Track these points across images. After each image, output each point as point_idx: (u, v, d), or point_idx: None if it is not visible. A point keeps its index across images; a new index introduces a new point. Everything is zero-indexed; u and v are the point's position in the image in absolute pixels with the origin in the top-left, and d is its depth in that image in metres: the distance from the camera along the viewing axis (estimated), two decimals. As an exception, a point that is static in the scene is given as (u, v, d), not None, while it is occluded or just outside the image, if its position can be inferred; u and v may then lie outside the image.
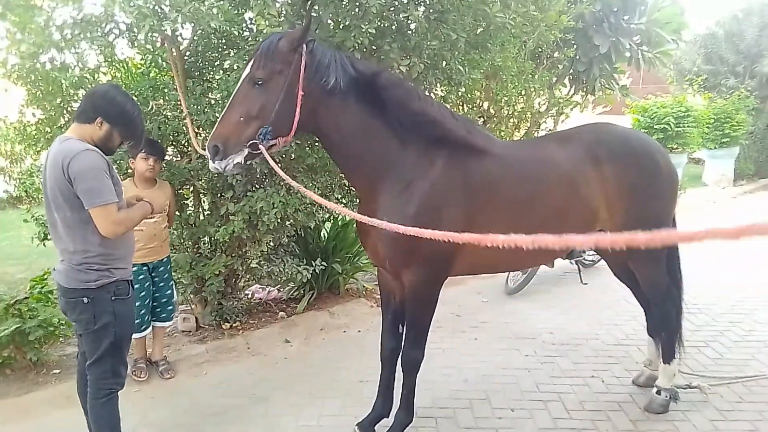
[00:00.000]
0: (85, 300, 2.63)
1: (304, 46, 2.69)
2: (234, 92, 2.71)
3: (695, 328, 4.95)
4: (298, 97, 2.67)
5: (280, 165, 4.03)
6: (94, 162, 2.54)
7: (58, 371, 4.11)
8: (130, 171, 4.04)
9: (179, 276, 4.55)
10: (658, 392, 3.61)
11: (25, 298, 4.08)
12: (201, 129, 4.16)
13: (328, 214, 5.11)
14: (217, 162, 2.63)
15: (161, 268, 4.04)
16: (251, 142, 2.62)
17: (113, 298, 2.69)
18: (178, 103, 4.06)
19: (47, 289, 4.19)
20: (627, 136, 3.48)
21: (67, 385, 3.81)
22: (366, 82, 2.79)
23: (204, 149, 2.90)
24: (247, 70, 2.70)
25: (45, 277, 4.28)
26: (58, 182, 2.53)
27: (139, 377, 4.05)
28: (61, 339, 4.42)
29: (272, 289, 5.63)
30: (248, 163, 2.70)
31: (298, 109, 2.68)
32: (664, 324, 3.65)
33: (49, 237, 3.90)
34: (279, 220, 4.24)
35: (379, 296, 5.51)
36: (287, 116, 2.68)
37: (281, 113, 2.66)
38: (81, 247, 2.60)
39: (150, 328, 4.10)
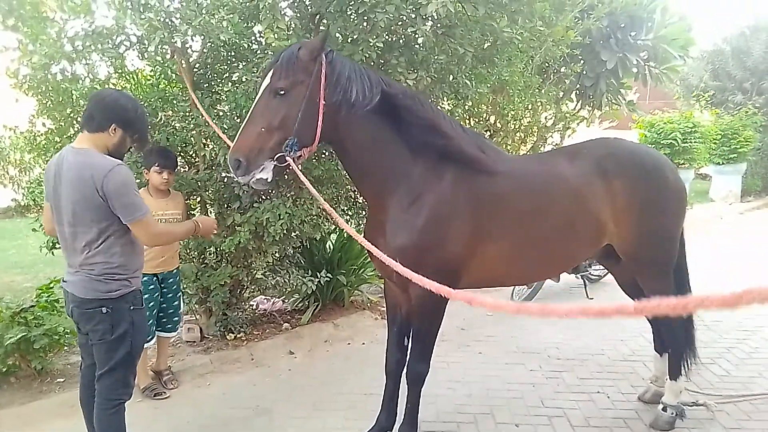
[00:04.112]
0: (104, 310, 2.63)
1: (324, 56, 2.70)
2: (254, 104, 2.69)
3: (702, 344, 4.85)
4: (320, 107, 2.67)
5: (287, 177, 4.06)
6: (128, 177, 2.59)
7: (62, 380, 4.11)
8: (138, 180, 4.07)
9: (184, 286, 4.56)
10: (664, 409, 3.58)
11: (31, 306, 4.09)
12: (209, 140, 4.19)
13: (333, 226, 5.12)
14: (240, 176, 2.63)
15: (170, 279, 4.05)
16: (278, 154, 2.62)
17: (131, 307, 2.71)
18: (188, 113, 4.09)
19: (53, 298, 4.20)
20: (636, 151, 3.49)
21: (71, 394, 3.80)
22: (384, 96, 2.80)
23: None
24: (267, 80, 2.69)
25: (51, 285, 4.29)
26: (86, 199, 2.52)
27: (164, 396, 4.03)
28: (65, 348, 4.43)
29: (277, 300, 5.63)
30: (276, 177, 2.70)
31: (320, 119, 2.68)
32: (671, 340, 3.63)
33: (57, 246, 3.93)
34: (285, 232, 4.26)
35: (383, 308, 5.51)
36: (310, 127, 2.68)
37: (304, 123, 2.65)
38: (102, 259, 2.61)
39: (155, 339, 4.10)
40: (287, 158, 2.63)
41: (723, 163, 13.85)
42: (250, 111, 2.69)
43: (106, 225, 2.58)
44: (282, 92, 2.64)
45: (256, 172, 2.62)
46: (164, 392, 4.03)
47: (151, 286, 3.90)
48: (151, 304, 3.91)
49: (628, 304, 0.97)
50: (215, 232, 3.80)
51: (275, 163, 2.63)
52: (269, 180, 2.66)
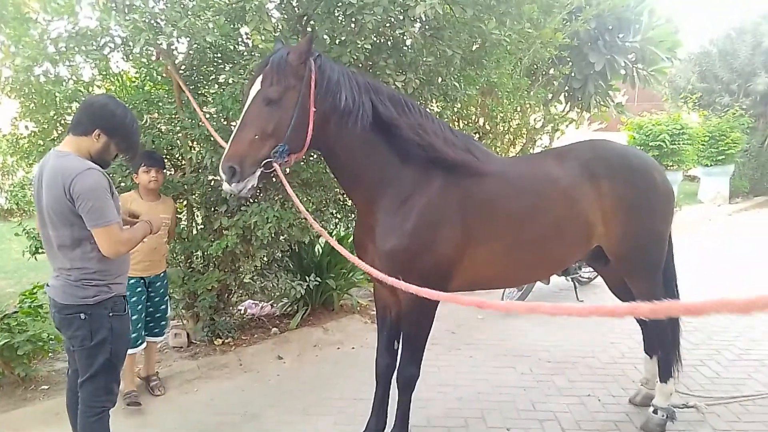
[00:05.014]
0: (82, 316, 2.58)
1: (312, 60, 2.67)
2: (245, 110, 2.63)
3: (692, 346, 4.92)
4: (311, 113, 2.64)
5: (275, 180, 4.02)
6: (97, 181, 2.51)
7: (46, 387, 4.04)
8: (123, 184, 4.02)
9: (171, 291, 4.50)
10: (655, 411, 3.57)
11: (14, 312, 4.02)
12: (195, 143, 4.15)
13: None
14: (234, 185, 2.56)
15: (158, 283, 3.99)
16: (266, 161, 2.58)
17: (110, 314, 2.65)
18: (173, 116, 4.04)
19: (37, 304, 4.14)
20: (624, 152, 3.49)
21: (55, 401, 3.74)
22: (373, 101, 2.78)
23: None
24: (258, 86, 2.63)
25: (34, 291, 4.23)
26: (57, 201, 2.48)
27: (137, 406, 3.85)
28: (50, 354, 4.36)
29: (265, 304, 5.58)
30: (261, 182, 2.65)
31: (310, 126, 2.65)
32: (660, 342, 3.63)
33: (40, 251, 3.87)
34: (273, 235, 4.22)
35: (373, 312, 5.48)
36: (301, 133, 2.65)
37: (295, 130, 2.62)
38: (79, 264, 2.56)
39: (144, 343, 4.02)
40: (274, 164, 2.59)
41: (711, 165, 13.97)
42: (242, 118, 2.63)
43: (80, 229, 2.52)
44: (275, 98, 2.59)
45: (249, 180, 2.58)
46: (140, 403, 3.86)
47: (139, 289, 3.84)
48: (140, 307, 3.85)
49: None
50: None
51: (262, 169, 2.59)
52: (255, 185, 2.63)
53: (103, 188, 2.52)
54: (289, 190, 2.67)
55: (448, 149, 2.92)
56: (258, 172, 2.59)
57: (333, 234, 5.65)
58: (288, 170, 4.25)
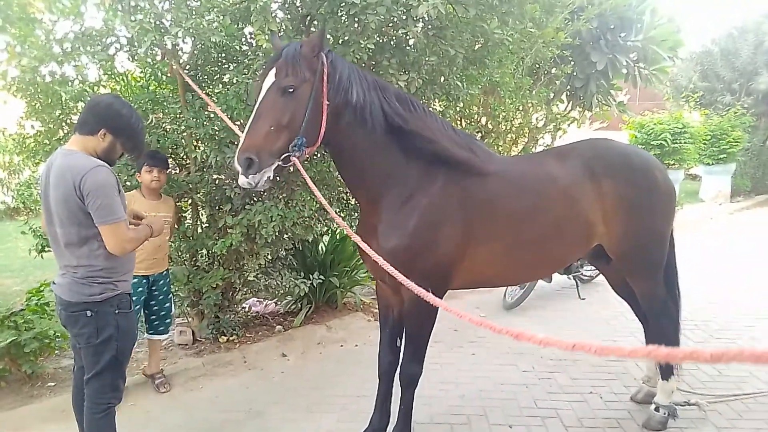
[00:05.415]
0: (89, 313, 2.61)
1: (323, 55, 2.68)
2: (259, 101, 2.62)
3: (693, 344, 4.94)
4: (324, 106, 2.65)
5: (278, 178, 4.04)
6: (107, 179, 2.54)
7: (53, 384, 4.08)
8: (128, 183, 4.04)
9: (176, 289, 4.53)
10: (657, 409, 3.59)
11: (21, 310, 4.06)
12: (199, 142, 4.17)
13: (326, 228, 5.11)
14: (251, 176, 2.53)
15: (161, 281, 4.02)
16: (285, 154, 2.58)
17: (116, 311, 2.68)
18: (178, 115, 4.07)
19: (43, 301, 4.17)
20: (625, 151, 3.50)
21: (62, 398, 3.78)
22: (380, 98, 2.80)
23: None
24: (272, 78, 2.62)
25: (41, 289, 4.26)
26: (66, 199, 2.51)
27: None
28: (56, 351, 4.41)
29: (269, 302, 5.61)
30: (277, 176, 2.63)
31: (324, 119, 2.66)
32: (661, 339, 3.64)
33: (47, 249, 3.90)
34: (277, 234, 4.25)
35: (376, 310, 5.51)
36: (315, 126, 2.65)
37: (310, 123, 2.62)
38: (85, 262, 2.59)
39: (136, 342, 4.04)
40: (292, 158, 2.59)
41: (712, 164, 13.97)
42: (256, 109, 2.61)
43: (87, 227, 2.54)
44: (291, 90, 2.59)
45: (266, 171, 2.55)
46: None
47: (140, 288, 3.86)
48: (137, 306, 3.87)
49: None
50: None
51: (280, 162, 2.58)
52: (271, 178, 2.59)
53: (111, 185, 2.55)
54: (309, 182, 2.68)
55: (453, 146, 2.95)
56: (275, 165, 2.57)
57: (336, 232, 5.69)
58: (291, 170, 4.29)
